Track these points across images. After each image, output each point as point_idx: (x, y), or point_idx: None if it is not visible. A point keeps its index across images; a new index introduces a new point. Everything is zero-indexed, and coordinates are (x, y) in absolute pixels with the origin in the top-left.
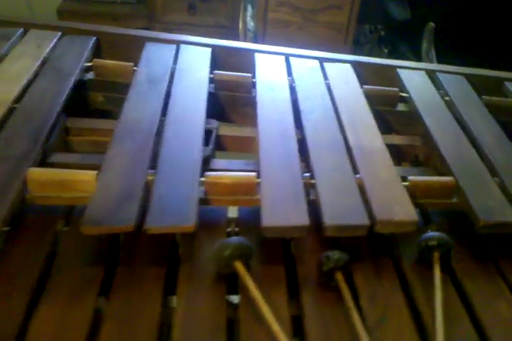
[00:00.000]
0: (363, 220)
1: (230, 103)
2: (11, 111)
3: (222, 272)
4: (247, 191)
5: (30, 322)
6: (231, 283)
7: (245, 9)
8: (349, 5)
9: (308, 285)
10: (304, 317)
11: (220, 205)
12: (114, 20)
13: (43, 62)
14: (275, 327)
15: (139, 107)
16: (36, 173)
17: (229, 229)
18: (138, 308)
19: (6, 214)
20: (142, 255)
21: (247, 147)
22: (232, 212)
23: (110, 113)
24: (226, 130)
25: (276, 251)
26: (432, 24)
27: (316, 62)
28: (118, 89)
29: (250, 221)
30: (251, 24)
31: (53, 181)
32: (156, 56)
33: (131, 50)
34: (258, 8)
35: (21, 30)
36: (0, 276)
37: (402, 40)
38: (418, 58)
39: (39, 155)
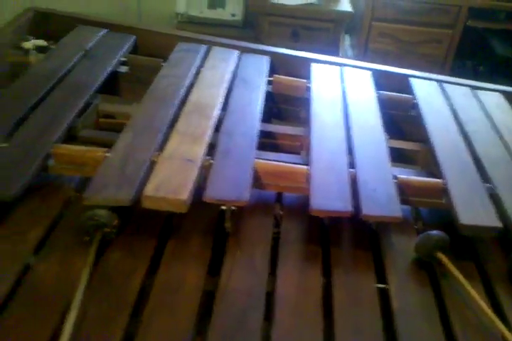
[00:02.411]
0: None
1: (393, 120)
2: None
3: (425, 260)
4: (435, 194)
5: (275, 283)
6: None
7: (343, 38)
8: (449, 39)
9: (499, 282)
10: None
11: (410, 205)
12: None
13: (233, 75)
14: (487, 310)
15: (323, 119)
16: (264, 165)
17: (416, 227)
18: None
19: (248, 193)
20: (348, 238)
21: (415, 159)
22: None
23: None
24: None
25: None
26: None
27: (468, 90)
28: (290, 101)
29: (432, 220)
30: (349, 52)
31: (277, 172)
32: (325, 75)
33: (299, 68)
34: (360, 38)
35: (206, 46)
36: (238, 247)
37: (502, 77)
38: None
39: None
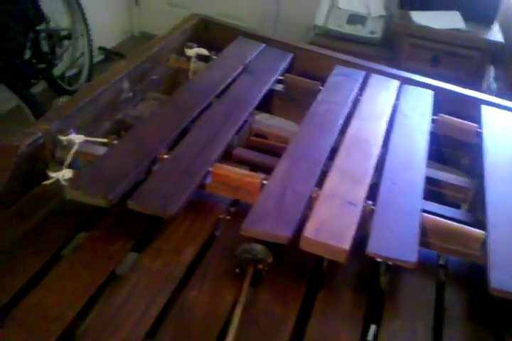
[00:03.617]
0: None
1: None
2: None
3: None
4: None
5: None
6: None
7: (488, 69)
8: None
9: None
10: None
11: None
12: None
13: (394, 108)
14: None
15: (499, 174)
16: (433, 222)
17: None
18: None
19: (415, 255)
20: None
21: None
22: None
23: None
24: None
25: None
26: None
27: None
28: (453, 145)
29: None
30: (493, 85)
31: (448, 232)
32: (498, 122)
33: (464, 107)
34: (508, 72)
35: (364, 72)
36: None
37: None
38: None
39: None
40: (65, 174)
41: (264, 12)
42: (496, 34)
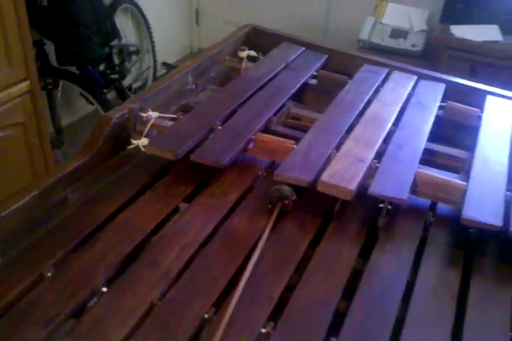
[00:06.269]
0: None
1: None
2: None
3: None
4: None
5: (417, 273)
6: None
7: None
8: None
9: None
10: None
11: None
12: None
13: (409, 97)
14: None
15: (488, 146)
16: (426, 176)
17: None
18: None
19: (406, 194)
20: (492, 250)
21: None
22: None
23: None
24: None
25: None
26: None
27: None
28: (458, 127)
29: None
30: None
31: (436, 183)
32: (498, 108)
33: (472, 99)
34: None
35: (387, 69)
36: (388, 240)
37: None
38: None
39: None
40: (143, 141)
41: (313, 28)
42: None
